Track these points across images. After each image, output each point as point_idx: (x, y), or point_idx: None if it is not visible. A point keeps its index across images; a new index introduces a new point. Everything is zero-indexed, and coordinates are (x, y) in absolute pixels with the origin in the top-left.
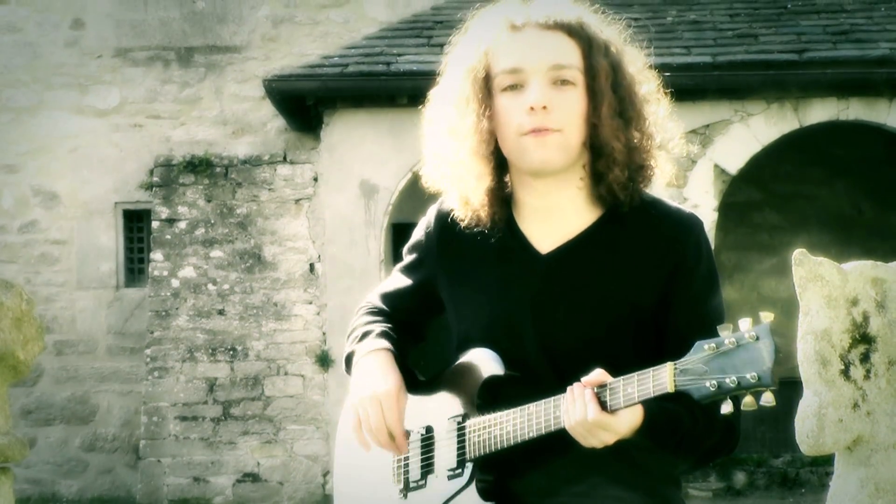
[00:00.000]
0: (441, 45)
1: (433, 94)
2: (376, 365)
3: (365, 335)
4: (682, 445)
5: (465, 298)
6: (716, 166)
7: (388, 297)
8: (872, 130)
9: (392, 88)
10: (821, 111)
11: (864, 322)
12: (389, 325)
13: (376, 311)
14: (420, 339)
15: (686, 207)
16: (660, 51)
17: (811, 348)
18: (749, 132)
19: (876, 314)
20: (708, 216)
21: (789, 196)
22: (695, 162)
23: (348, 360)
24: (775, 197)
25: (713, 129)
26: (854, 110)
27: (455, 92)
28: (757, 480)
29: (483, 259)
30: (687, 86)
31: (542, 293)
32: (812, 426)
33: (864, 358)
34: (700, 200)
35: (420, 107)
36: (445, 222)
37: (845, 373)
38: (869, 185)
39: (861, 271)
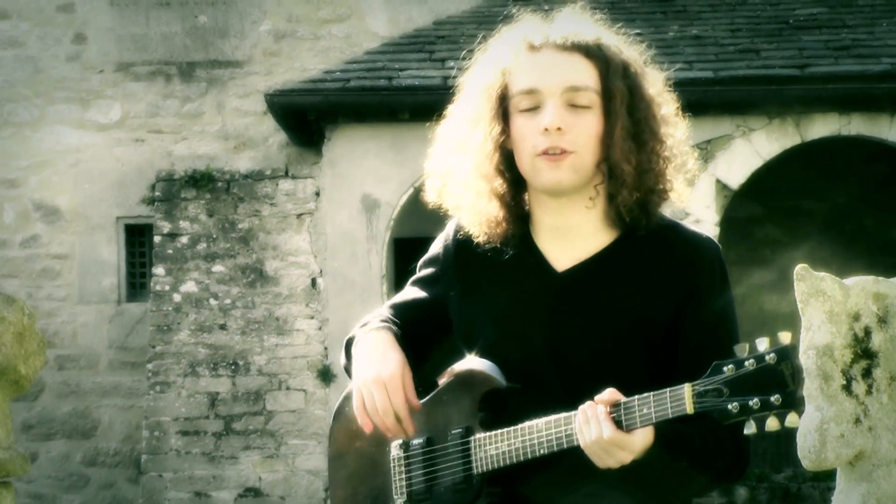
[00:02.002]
0: (443, 60)
1: (449, 111)
2: (377, 343)
3: (365, 324)
4: (692, 466)
5: (478, 312)
6: (717, 181)
7: (399, 308)
8: (874, 145)
9: (394, 103)
10: (822, 126)
11: (866, 337)
12: (394, 320)
13: (384, 317)
14: (425, 359)
15: (687, 222)
16: (661, 66)
17: (813, 363)
18: (751, 147)
19: (878, 329)
20: (710, 231)
21: (791, 211)
22: (696, 177)
23: (348, 346)
24: (777, 212)
25: (715, 145)
26: (856, 125)
27: (472, 110)
28: (759, 496)
29: (499, 274)
30: (688, 101)
31: (557, 311)
32: (814, 441)
33: (866, 373)
34: (702, 215)
35: (422, 121)
36: (463, 237)
37: (847, 388)
38: (870, 200)
39: (863, 286)
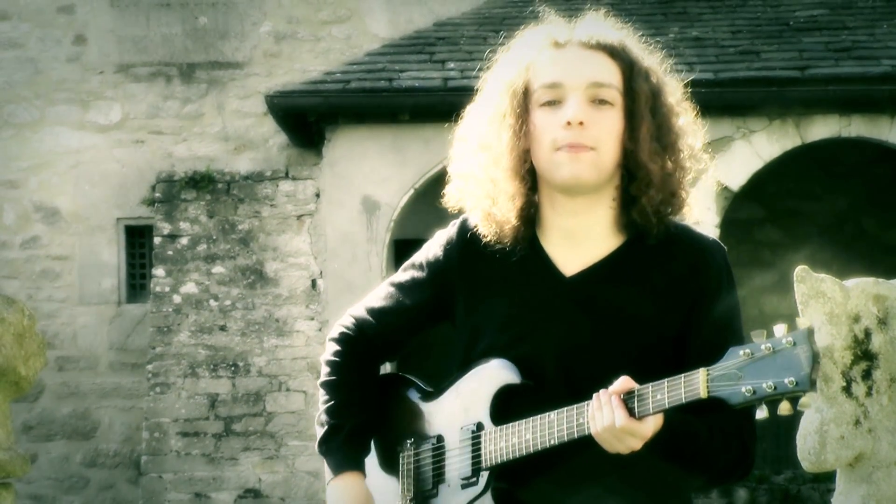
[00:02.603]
0: (443, 62)
1: (469, 109)
2: (345, 496)
3: (337, 428)
4: (696, 459)
5: (483, 317)
6: (718, 183)
7: (378, 314)
8: (875, 147)
9: (394, 105)
10: (823, 128)
11: (866, 339)
12: (362, 401)
13: (355, 347)
14: (402, 349)
15: (689, 224)
16: (674, 69)
17: None
18: (751, 149)
19: (878, 331)
20: (710, 233)
21: (791, 212)
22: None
23: (322, 451)
24: (777, 213)
25: (715, 146)
26: (856, 127)
27: (493, 107)
28: (758, 497)
29: (505, 279)
30: (689, 103)
31: (565, 317)
32: (814, 443)
33: (866, 375)
34: (702, 217)
35: (422, 123)
36: (469, 239)
37: (847, 390)
38: (871, 202)
39: (863, 288)
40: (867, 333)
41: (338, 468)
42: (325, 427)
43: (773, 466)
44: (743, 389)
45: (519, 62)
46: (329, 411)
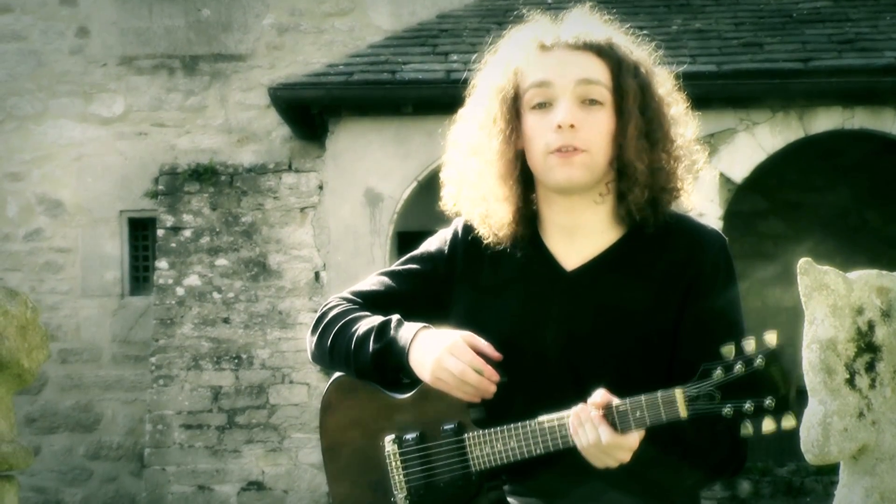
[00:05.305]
0: (446, 54)
1: (460, 115)
2: (430, 335)
3: (383, 328)
4: (686, 457)
5: (487, 312)
6: (721, 175)
7: (364, 295)
8: (878, 139)
9: (397, 97)
10: (826, 120)
11: (870, 331)
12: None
13: (358, 307)
14: None
15: (692, 216)
16: (664, 60)
17: (816, 357)
18: (754, 141)
19: (881, 323)
20: (713, 225)
21: (794, 204)
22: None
23: (383, 353)
24: (780, 205)
25: (718, 138)
26: (859, 119)
27: (483, 112)
28: (762, 489)
29: (508, 274)
30: (692, 95)
31: (567, 310)
32: (817, 435)
33: (870, 367)
34: (705, 209)
35: (425, 115)
36: (472, 237)
37: (850, 382)
38: (874, 194)
39: (866, 280)
40: (871, 325)
41: (414, 330)
42: (372, 329)
43: (776, 458)
44: (724, 411)
45: (507, 66)
46: (363, 328)
